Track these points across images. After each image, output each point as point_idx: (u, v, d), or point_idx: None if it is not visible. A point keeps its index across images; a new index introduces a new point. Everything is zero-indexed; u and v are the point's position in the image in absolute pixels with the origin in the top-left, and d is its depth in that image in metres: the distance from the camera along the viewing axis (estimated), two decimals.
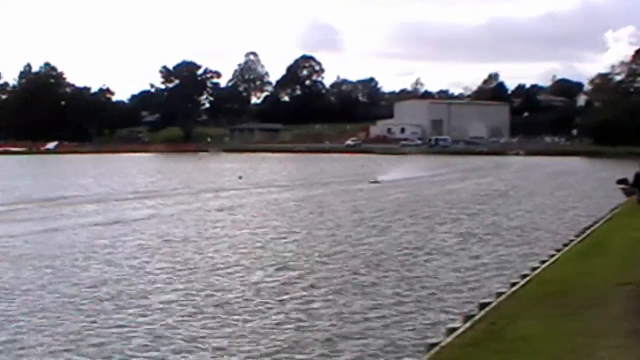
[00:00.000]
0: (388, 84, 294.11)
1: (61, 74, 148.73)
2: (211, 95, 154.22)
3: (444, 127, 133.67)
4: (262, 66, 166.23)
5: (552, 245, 20.88)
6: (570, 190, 47.25)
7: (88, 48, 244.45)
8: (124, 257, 21.31)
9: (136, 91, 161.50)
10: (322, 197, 41.97)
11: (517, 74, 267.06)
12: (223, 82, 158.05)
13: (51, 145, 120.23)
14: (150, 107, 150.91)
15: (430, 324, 13.85)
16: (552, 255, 16.34)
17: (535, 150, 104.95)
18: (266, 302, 15.80)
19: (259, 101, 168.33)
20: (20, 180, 55.22)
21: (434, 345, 9.14)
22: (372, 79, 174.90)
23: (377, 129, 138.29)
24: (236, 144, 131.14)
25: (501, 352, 8.64)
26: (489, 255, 21.85)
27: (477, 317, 10.45)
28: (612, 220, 23.47)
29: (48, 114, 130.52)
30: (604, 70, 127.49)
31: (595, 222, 23.28)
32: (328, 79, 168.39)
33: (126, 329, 13.70)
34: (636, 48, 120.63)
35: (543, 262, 15.44)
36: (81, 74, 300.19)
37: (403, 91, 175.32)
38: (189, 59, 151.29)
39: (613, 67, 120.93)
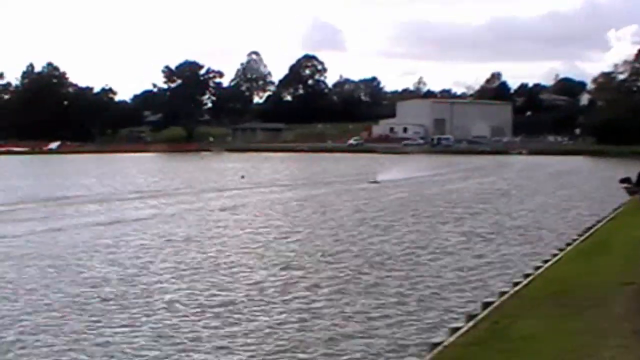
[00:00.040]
0: (390, 84, 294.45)
1: (64, 73, 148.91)
2: (214, 94, 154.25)
3: (447, 126, 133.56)
4: (265, 66, 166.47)
5: (555, 244, 20.90)
6: (573, 189, 47.21)
7: (90, 48, 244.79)
8: (127, 257, 21.33)
9: (139, 91, 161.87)
10: (325, 196, 41.97)
11: (519, 73, 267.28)
12: (225, 81, 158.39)
13: (54, 145, 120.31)
14: (152, 106, 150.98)
15: (433, 323, 13.85)
16: (555, 255, 16.33)
17: (538, 149, 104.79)
18: (269, 302, 15.81)
19: (261, 101, 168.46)
20: (22, 180, 55.31)
21: (437, 344, 9.14)
22: (374, 79, 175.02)
23: (380, 128, 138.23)
24: (239, 143, 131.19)
25: (504, 351, 8.64)
26: (492, 255, 21.84)
27: (480, 317, 10.45)
28: (615, 220, 23.46)
29: (50, 114, 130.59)
30: (607, 69, 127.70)
31: (599, 222, 23.26)
32: (330, 79, 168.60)
33: (130, 328, 13.72)
34: (639, 47, 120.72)
35: (546, 261, 15.43)
36: (84, 74, 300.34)
37: (405, 90, 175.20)
38: (191, 58, 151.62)
39: (616, 66, 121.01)
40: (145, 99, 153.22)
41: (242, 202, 38.75)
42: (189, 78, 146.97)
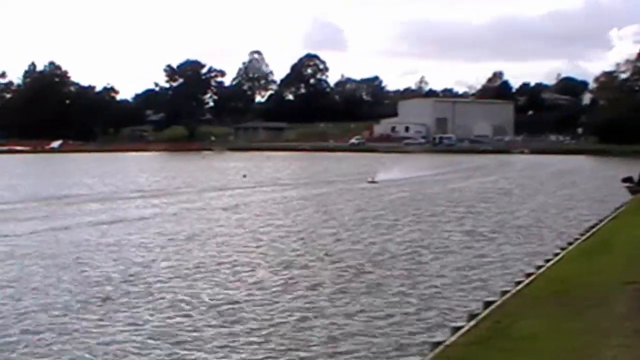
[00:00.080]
0: (392, 83, 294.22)
1: (65, 72, 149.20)
2: (215, 94, 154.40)
3: (449, 125, 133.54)
4: (267, 65, 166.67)
5: (557, 243, 20.87)
6: (575, 188, 47.18)
7: (92, 47, 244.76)
8: (129, 256, 21.34)
9: (140, 90, 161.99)
10: (327, 195, 41.99)
11: (521, 73, 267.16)
12: (227, 80, 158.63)
13: (56, 144, 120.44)
14: (154, 106, 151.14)
15: (435, 323, 13.84)
16: (557, 254, 16.32)
17: (540, 148, 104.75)
18: (271, 300, 15.81)
19: (263, 100, 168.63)
20: (24, 179, 55.37)
21: (438, 343, 9.13)
22: (376, 78, 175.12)
23: (381, 127, 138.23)
24: (240, 142, 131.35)
25: (506, 350, 8.63)
26: (494, 254, 21.83)
27: (481, 316, 10.44)
28: (617, 219, 23.44)
29: (52, 113, 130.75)
30: (609, 69, 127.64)
31: (601, 221, 23.23)
32: (332, 78, 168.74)
33: (132, 327, 13.73)
34: None
35: (548, 260, 15.41)
36: (86, 73, 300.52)
37: (407, 90, 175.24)
38: (193, 57, 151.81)
39: (618, 65, 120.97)
40: (147, 98, 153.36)
41: (244, 201, 38.76)
42: (190, 77, 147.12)
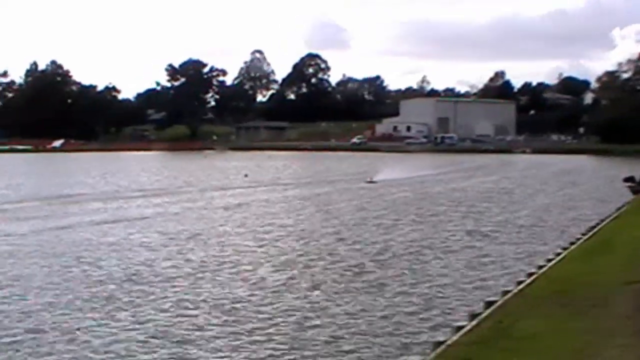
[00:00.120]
0: (394, 82, 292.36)
1: (67, 72, 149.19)
2: (217, 93, 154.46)
3: (450, 125, 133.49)
4: (268, 64, 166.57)
5: (559, 243, 20.88)
6: (577, 188, 47.15)
7: (94, 46, 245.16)
8: (131, 255, 21.36)
9: (142, 89, 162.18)
10: (328, 195, 41.99)
11: (523, 72, 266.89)
12: (229, 80, 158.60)
13: (57, 143, 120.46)
14: (156, 105, 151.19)
15: (437, 322, 13.85)
16: (559, 254, 16.34)
17: (542, 148, 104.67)
18: (272, 300, 15.82)
19: (264, 99, 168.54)
20: (26, 179, 55.42)
21: (440, 343, 9.14)
22: (378, 77, 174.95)
23: (383, 127, 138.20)
24: (242, 142, 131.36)
25: (507, 350, 8.64)
26: (495, 253, 21.83)
27: (483, 315, 10.46)
28: (619, 219, 23.45)
29: (54, 112, 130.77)
30: (611, 68, 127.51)
31: (602, 221, 23.26)
32: (334, 77, 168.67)
33: (134, 326, 13.75)
34: None
35: (549, 260, 15.43)
36: (87, 72, 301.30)
37: (409, 89, 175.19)
38: (195, 57, 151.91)
39: (620, 64, 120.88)
40: (149, 97, 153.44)
41: (246, 200, 38.77)
42: (192, 76, 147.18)
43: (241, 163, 78.21)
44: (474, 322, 10.03)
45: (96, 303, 15.59)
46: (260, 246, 23.26)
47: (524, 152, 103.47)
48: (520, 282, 13.00)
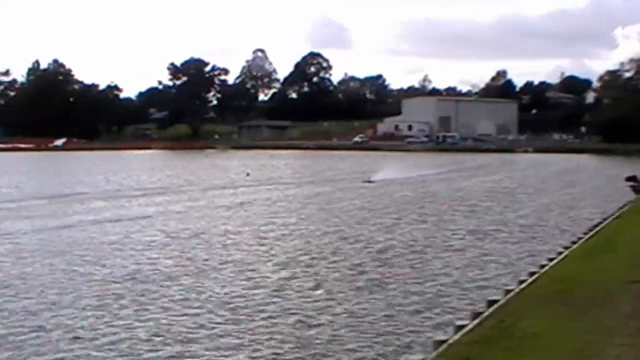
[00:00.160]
0: (396, 81, 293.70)
1: (69, 71, 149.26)
2: (219, 92, 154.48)
3: (452, 124, 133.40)
4: (270, 63, 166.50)
5: (561, 242, 20.88)
6: (579, 187, 47.13)
7: (96, 45, 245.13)
8: (133, 254, 21.40)
9: (144, 88, 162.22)
10: (330, 194, 42.01)
11: (525, 71, 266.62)
12: (231, 79, 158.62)
13: (59, 142, 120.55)
14: (158, 104, 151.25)
15: (439, 321, 13.87)
16: (561, 253, 16.32)
17: (544, 147, 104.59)
18: (273, 299, 15.85)
19: (266, 98, 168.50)
20: (29, 177, 55.48)
21: (442, 342, 9.15)
22: (379, 76, 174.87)
23: (385, 126, 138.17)
24: (244, 141, 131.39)
25: (509, 349, 8.65)
26: (497, 253, 21.85)
27: (485, 315, 10.46)
28: (620, 218, 23.43)
29: (56, 111, 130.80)
30: (613, 67, 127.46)
31: (604, 220, 23.24)
32: (336, 76, 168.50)
33: (136, 324, 13.78)
34: None
35: (551, 259, 15.42)
36: (89, 71, 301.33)
37: (411, 88, 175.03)
38: (196, 56, 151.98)
39: (622, 64, 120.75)
40: (151, 96, 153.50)
41: (248, 199, 38.81)
42: (194, 75, 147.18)
43: (243, 162, 78.23)
44: (475, 321, 10.04)
45: (99, 301, 15.62)
46: (262, 245, 23.29)
47: (525, 151, 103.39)
48: (522, 281, 13.00)
